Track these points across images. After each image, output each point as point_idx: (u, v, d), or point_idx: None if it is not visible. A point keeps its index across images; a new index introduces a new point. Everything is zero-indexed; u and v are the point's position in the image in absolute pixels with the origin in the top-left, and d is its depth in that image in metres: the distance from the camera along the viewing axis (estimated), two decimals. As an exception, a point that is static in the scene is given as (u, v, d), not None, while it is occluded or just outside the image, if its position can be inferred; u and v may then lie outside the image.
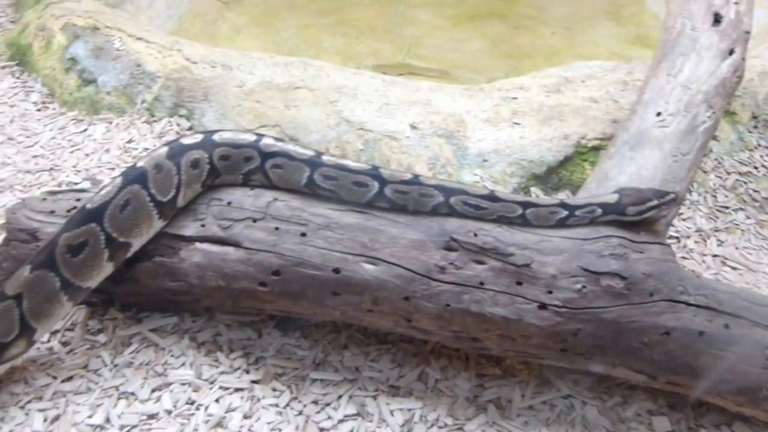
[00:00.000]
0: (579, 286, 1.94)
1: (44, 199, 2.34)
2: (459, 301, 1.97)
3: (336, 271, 2.03)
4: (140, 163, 2.13)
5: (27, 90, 3.65)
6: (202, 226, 2.16)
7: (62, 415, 2.10)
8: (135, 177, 2.10)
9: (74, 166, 3.08)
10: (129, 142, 3.19)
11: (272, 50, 4.04)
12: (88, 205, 2.08)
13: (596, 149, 2.94)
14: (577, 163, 2.92)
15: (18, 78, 3.78)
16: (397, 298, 2.01)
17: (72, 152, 3.18)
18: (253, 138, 2.20)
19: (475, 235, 2.02)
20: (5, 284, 2.06)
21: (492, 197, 2.08)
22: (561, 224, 2.06)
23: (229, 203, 2.17)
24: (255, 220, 2.13)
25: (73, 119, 3.41)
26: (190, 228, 2.16)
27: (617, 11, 5.71)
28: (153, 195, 2.10)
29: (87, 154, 3.16)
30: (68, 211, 2.28)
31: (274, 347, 2.31)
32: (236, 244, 2.11)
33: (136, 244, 2.13)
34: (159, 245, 2.18)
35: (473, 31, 5.11)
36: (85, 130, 3.33)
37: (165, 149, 2.17)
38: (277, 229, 2.10)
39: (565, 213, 2.07)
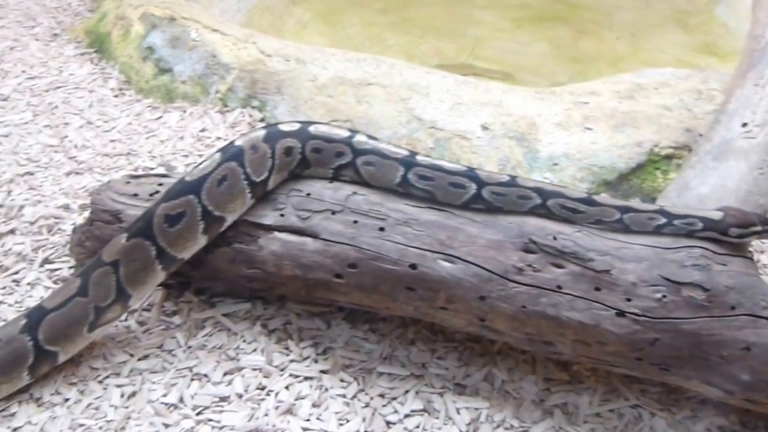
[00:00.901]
0: (659, 295, 1.92)
1: (128, 182, 2.42)
2: (535, 303, 1.97)
3: (413, 266, 2.05)
4: (238, 142, 2.20)
5: (105, 76, 3.77)
6: (282, 215, 2.20)
7: (138, 392, 2.16)
8: (233, 154, 2.17)
9: (150, 152, 3.17)
10: (202, 130, 3.27)
11: (337, 47, 4.08)
12: (187, 178, 2.16)
13: (669, 158, 2.90)
14: (649, 171, 2.88)
15: (96, 65, 3.90)
16: (472, 297, 2.02)
17: (147, 138, 3.27)
18: (347, 134, 2.24)
19: (555, 238, 2.01)
20: (102, 251, 2.14)
21: (589, 201, 2.08)
22: (657, 232, 2.04)
23: (308, 194, 2.21)
24: (334, 213, 2.16)
25: (148, 106, 3.51)
26: (269, 217, 2.21)
27: (684, 18, 5.60)
28: (248, 174, 2.16)
29: (162, 141, 3.24)
30: (151, 195, 2.35)
31: (342, 339, 2.34)
32: (314, 235, 2.15)
33: (230, 219, 2.19)
34: (238, 232, 2.23)
35: (536, 34, 5.08)
36: (160, 117, 3.42)
37: (263, 132, 2.23)
38: (355, 222, 2.13)
39: (664, 221, 2.04)
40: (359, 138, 2.22)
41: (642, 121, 2.99)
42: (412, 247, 2.06)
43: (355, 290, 2.14)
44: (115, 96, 3.62)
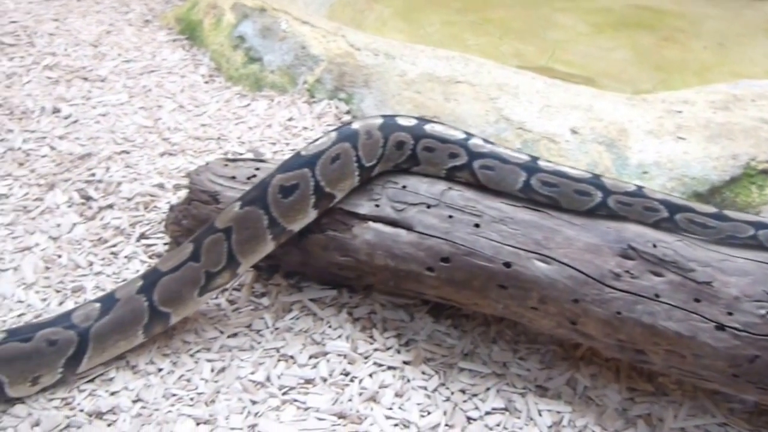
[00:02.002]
0: (764, 311, 1.87)
1: (225, 165, 2.49)
2: (631, 310, 1.95)
3: (507, 264, 2.05)
4: (355, 125, 2.26)
5: (196, 63, 3.89)
6: (377, 206, 2.24)
7: (227, 368, 2.23)
8: (348, 135, 2.23)
9: (239, 138, 3.26)
10: (290, 119, 3.34)
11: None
12: (303, 152, 2.22)
13: (766, 173, 2.81)
14: (743, 185, 2.81)
15: (187, 51, 4.03)
16: (565, 300, 2.01)
17: (236, 124, 3.37)
18: (462, 136, 2.25)
19: (654, 246, 1.98)
20: (215, 218, 2.22)
21: (720, 216, 2.04)
22: None
23: (404, 187, 2.24)
24: (429, 206, 2.18)
25: (237, 93, 3.60)
26: (364, 207, 2.25)
27: (776, 30, 5.43)
28: (360, 157, 2.22)
29: (250, 128, 3.33)
30: (248, 178, 2.42)
31: (425, 332, 2.37)
32: (408, 227, 2.18)
33: (338, 197, 2.25)
34: (332, 219, 2.28)
35: (619, 39, 4.99)
36: (249, 104, 3.51)
37: (379, 120, 2.28)
38: (450, 217, 2.14)
39: None
40: (475, 141, 2.24)
41: (738, 134, 2.91)
42: (507, 245, 2.06)
43: (445, 284, 2.16)
44: (206, 82, 3.73)
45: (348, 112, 3.33)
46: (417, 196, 2.21)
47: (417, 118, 2.35)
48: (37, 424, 2.05)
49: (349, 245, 2.25)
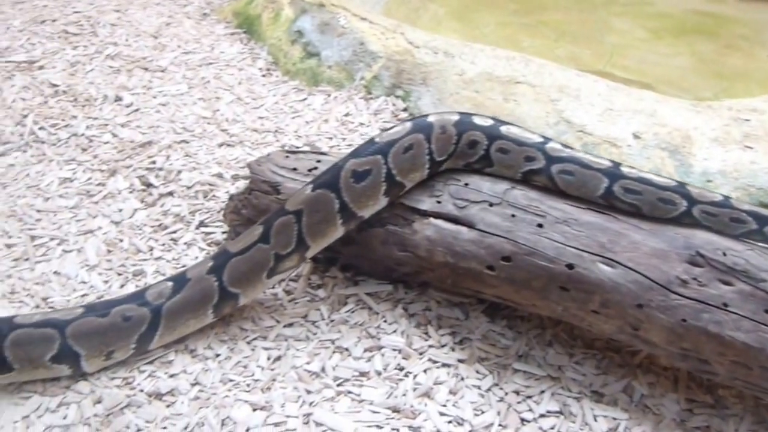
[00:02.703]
0: (838, 325, 1.82)
1: (287, 156, 2.52)
2: (697, 318, 1.91)
3: (570, 266, 2.03)
4: (430, 118, 2.26)
5: (254, 56, 3.94)
6: (438, 202, 2.24)
7: (283, 356, 2.26)
8: (423, 127, 2.23)
9: (295, 131, 3.29)
10: (346, 115, 3.36)
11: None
12: (377, 139, 2.23)
13: (836, 186, 2.73)
14: (812, 198, 2.73)
15: (245, 45, 4.08)
16: (629, 304, 1.98)
17: (293, 118, 3.40)
18: (539, 139, 2.24)
19: (724, 254, 1.94)
20: (286, 201, 2.24)
21: None
22: None
23: (466, 184, 2.24)
24: (491, 205, 2.17)
25: (294, 88, 3.64)
26: (426, 202, 2.25)
27: None
28: (431, 150, 2.23)
29: (307, 122, 3.36)
30: (309, 170, 2.44)
31: (480, 331, 2.35)
32: (470, 225, 2.17)
33: (408, 186, 2.25)
34: (393, 214, 2.28)
35: (679, 46, 4.89)
36: (305, 99, 3.54)
37: (456, 117, 2.27)
38: (513, 216, 2.13)
39: None
40: (553, 145, 2.22)
41: (807, 144, 2.83)
42: (571, 246, 2.04)
43: (505, 284, 2.14)
44: (263, 75, 3.78)
45: (405, 110, 3.33)
46: (479, 194, 2.20)
47: (493, 118, 2.33)
48: (99, 401, 2.11)
49: (409, 241, 2.25)
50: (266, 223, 2.23)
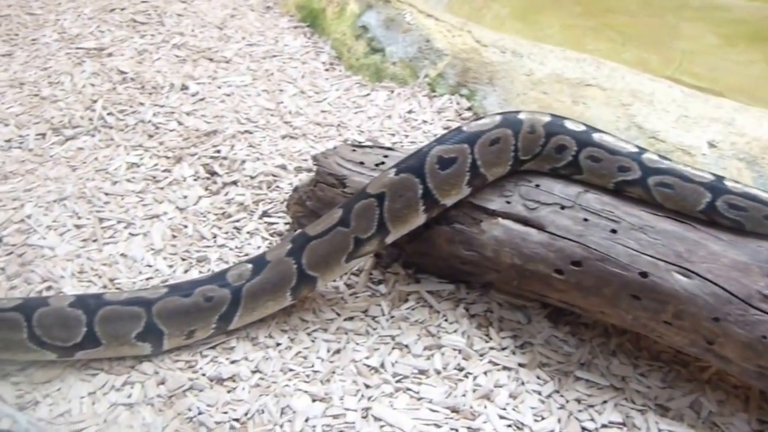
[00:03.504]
0: None
1: (353, 150, 2.52)
2: (778, 335, 1.83)
3: (643, 274, 1.97)
4: (521, 115, 2.24)
5: (317, 50, 3.96)
6: (508, 202, 2.20)
7: (343, 350, 2.26)
8: (512, 123, 2.21)
9: (358, 126, 3.29)
10: (409, 112, 3.35)
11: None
12: (465, 127, 2.22)
13: None
14: None
15: (309, 38, 4.11)
16: (704, 317, 1.91)
17: (356, 113, 3.40)
18: (634, 149, 2.17)
19: (811, 269, 1.86)
20: (368, 184, 2.23)
21: None
22: None
23: (537, 185, 2.20)
24: (563, 207, 2.13)
25: (357, 83, 3.64)
26: (495, 202, 2.22)
27: None
28: (517, 147, 2.20)
29: (369, 117, 3.35)
30: (376, 165, 2.43)
31: (542, 336, 2.31)
32: (540, 227, 2.13)
33: (489, 179, 2.23)
34: (460, 213, 2.26)
35: (753, 53, 4.71)
36: (368, 94, 3.54)
37: (547, 118, 2.24)
38: (585, 220, 2.08)
39: None
40: (650, 156, 2.15)
41: None
42: (645, 254, 1.98)
43: (573, 289, 2.10)
44: (326, 70, 3.79)
45: (469, 109, 3.30)
46: (551, 196, 2.16)
47: (585, 124, 2.27)
48: (162, 383, 2.14)
49: (476, 240, 2.22)
50: (346, 206, 2.22)
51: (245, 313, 2.21)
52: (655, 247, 1.98)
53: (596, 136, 2.20)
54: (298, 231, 2.29)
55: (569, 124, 2.23)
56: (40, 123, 3.40)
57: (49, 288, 2.47)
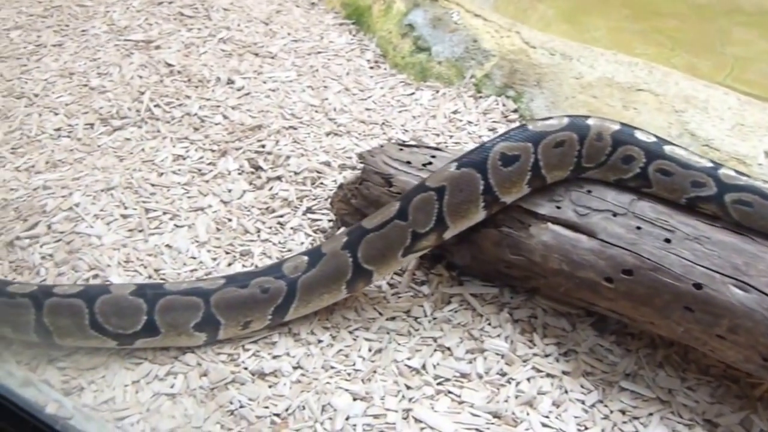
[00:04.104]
0: None
1: (401, 149, 2.50)
2: (840, 355, 1.77)
3: (698, 286, 1.92)
4: (589, 121, 2.19)
5: (362, 48, 3.95)
6: (558, 207, 2.17)
7: (384, 350, 2.25)
8: (579, 127, 2.17)
9: (402, 125, 3.28)
10: (455, 112, 3.32)
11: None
12: (530, 126, 2.18)
13: None
14: None
15: (354, 36, 4.10)
16: (762, 333, 1.86)
17: (400, 112, 3.39)
18: (709, 164, 2.11)
19: None
20: (427, 177, 2.21)
21: None
22: None
23: (589, 191, 2.16)
24: (615, 215, 2.09)
25: (401, 81, 3.62)
26: (545, 207, 2.18)
27: None
28: (581, 154, 2.16)
29: (414, 117, 3.33)
30: (423, 165, 2.42)
31: (586, 345, 2.27)
32: (591, 234, 2.09)
33: (548, 181, 2.19)
34: (509, 216, 2.23)
35: (809, 62, 4.58)
36: (413, 93, 3.52)
37: (616, 126, 2.18)
38: (638, 228, 2.04)
39: None
40: (726, 171, 2.08)
41: None
42: (700, 265, 1.93)
43: (622, 298, 2.06)
44: (371, 67, 3.78)
45: (516, 111, 3.26)
46: (603, 203, 2.12)
47: (657, 136, 2.20)
48: (204, 374, 2.16)
49: (524, 244, 2.19)
50: (404, 199, 2.19)
51: (300, 305, 2.21)
52: (710, 258, 1.93)
53: (668, 148, 2.13)
54: (356, 224, 2.26)
55: (639, 135, 2.16)
56: (88, 113, 3.46)
57: (95, 276, 2.51)
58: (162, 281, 2.44)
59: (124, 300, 2.15)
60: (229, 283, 2.18)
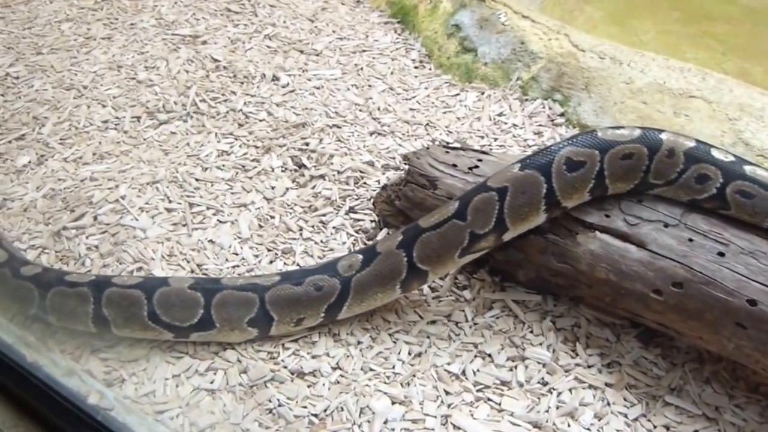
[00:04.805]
0: None
1: (447, 152, 2.48)
2: None
3: (752, 302, 1.86)
4: (663, 135, 2.11)
5: (407, 47, 3.93)
6: (607, 216, 2.12)
7: (424, 353, 2.23)
8: (651, 140, 2.09)
9: (446, 127, 3.25)
10: (500, 115, 3.28)
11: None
12: (599, 133, 2.12)
13: None
14: None
15: (399, 35, 4.08)
16: (818, 353, 1.79)
17: (444, 113, 3.36)
18: None
19: None
20: (489, 177, 2.17)
21: None
22: None
23: (640, 201, 2.11)
24: (666, 225, 2.04)
25: (446, 82, 3.59)
26: (593, 215, 2.14)
27: None
28: (649, 168, 2.08)
29: (458, 118, 3.30)
30: (470, 168, 2.39)
31: (631, 357, 2.22)
32: (640, 244, 2.04)
33: (610, 192, 2.13)
34: (556, 224, 2.19)
35: None
36: (458, 94, 3.48)
37: (691, 143, 2.09)
38: (690, 240, 1.98)
39: None
40: None
41: None
42: (755, 281, 1.87)
43: (671, 311, 2.00)
44: (416, 67, 3.76)
45: (562, 115, 3.20)
46: (654, 213, 2.07)
47: (735, 155, 2.11)
48: (244, 371, 2.17)
49: (570, 253, 2.15)
50: (463, 198, 2.15)
51: (354, 303, 2.20)
52: (766, 273, 1.87)
53: (748, 168, 2.03)
54: (413, 223, 2.23)
55: (716, 153, 2.07)
56: (135, 106, 3.50)
57: (139, 269, 2.54)
58: (218, 276, 2.46)
59: (182, 293, 2.18)
60: (284, 280, 2.20)
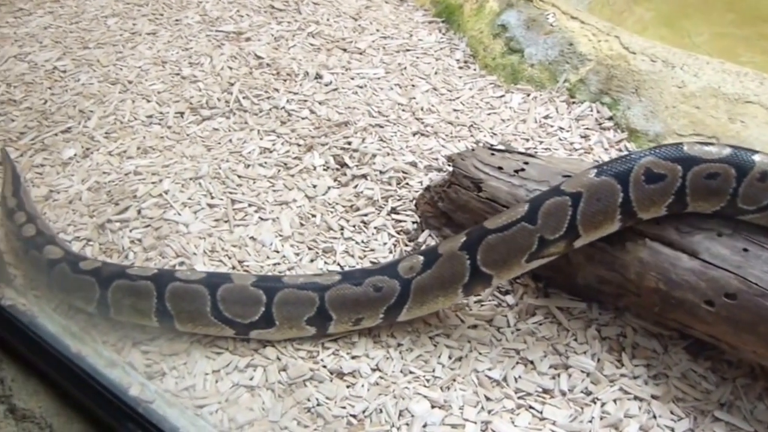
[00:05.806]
0: None
1: (492, 154, 2.44)
2: None
3: (811, 317, 1.78)
4: (756, 156, 1.97)
5: (452, 47, 3.89)
6: (657, 223, 2.06)
7: (464, 358, 2.20)
8: (741, 161, 1.95)
9: (491, 129, 3.20)
10: (546, 117, 3.22)
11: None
12: (685, 148, 2.01)
13: None
14: None
15: (444, 34, 4.05)
16: None
17: (489, 114, 3.31)
18: None
19: None
20: (563, 181, 2.11)
21: None
22: None
23: (693, 209, 2.04)
24: (720, 234, 1.96)
25: (491, 83, 3.54)
26: (643, 222, 2.08)
27: None
28: (736, 191, 1.95)
29: (503, 120, 3.26)
30: (515, 171, 2.35)
31: (678, 369, 2.15)
32: (692, 253, 1.98)
33: (689, 210, 2.02)
34: (604, 231, 2.13)
35: None
36: (502, 96, 3.44)
37: None
38: (745, 250, 1.91)
39: None
40: None
41: None
42: (815, 295, 1.79)
43: (723, 323, 1.93)
44: (460, 68, 3.72)
45: (611, 119, 3.13)
46: (707, 221, 2.00)
47: None
48: (284, 369, 2.17)
49: (618, 260, 2.09)
50: (533, 201, 2.08)
51: (414, 306, 2.17)
52: (826, 288, 1.79)
53: None
54: (478, 224, 2.15)
55: None
56: (179, 102, 3.54)
57: (182, 263, 2.56)
58: (281, 274, 2.46)
59: (245, 290, 2.19)
60: (344, 280, 2.18)
